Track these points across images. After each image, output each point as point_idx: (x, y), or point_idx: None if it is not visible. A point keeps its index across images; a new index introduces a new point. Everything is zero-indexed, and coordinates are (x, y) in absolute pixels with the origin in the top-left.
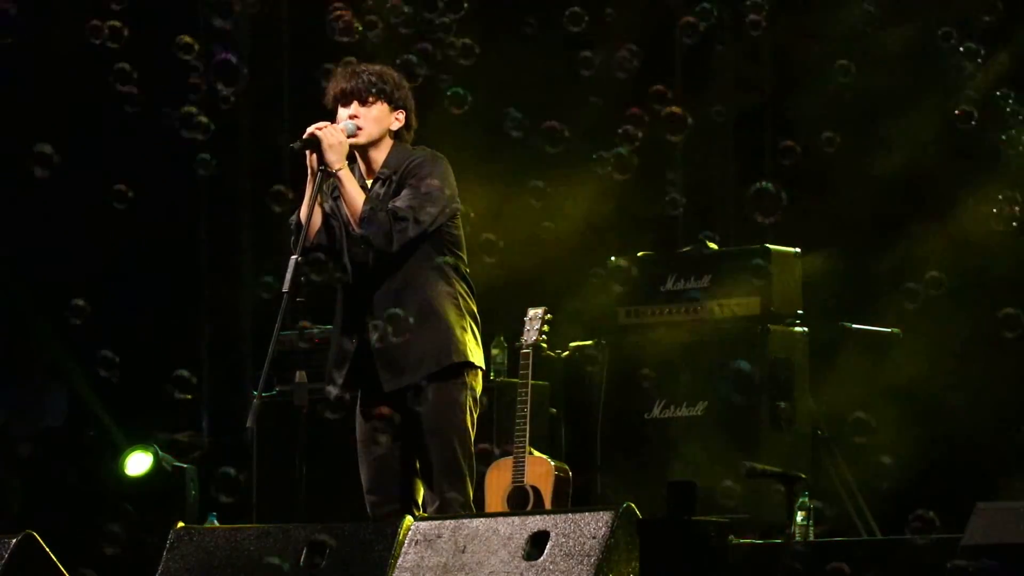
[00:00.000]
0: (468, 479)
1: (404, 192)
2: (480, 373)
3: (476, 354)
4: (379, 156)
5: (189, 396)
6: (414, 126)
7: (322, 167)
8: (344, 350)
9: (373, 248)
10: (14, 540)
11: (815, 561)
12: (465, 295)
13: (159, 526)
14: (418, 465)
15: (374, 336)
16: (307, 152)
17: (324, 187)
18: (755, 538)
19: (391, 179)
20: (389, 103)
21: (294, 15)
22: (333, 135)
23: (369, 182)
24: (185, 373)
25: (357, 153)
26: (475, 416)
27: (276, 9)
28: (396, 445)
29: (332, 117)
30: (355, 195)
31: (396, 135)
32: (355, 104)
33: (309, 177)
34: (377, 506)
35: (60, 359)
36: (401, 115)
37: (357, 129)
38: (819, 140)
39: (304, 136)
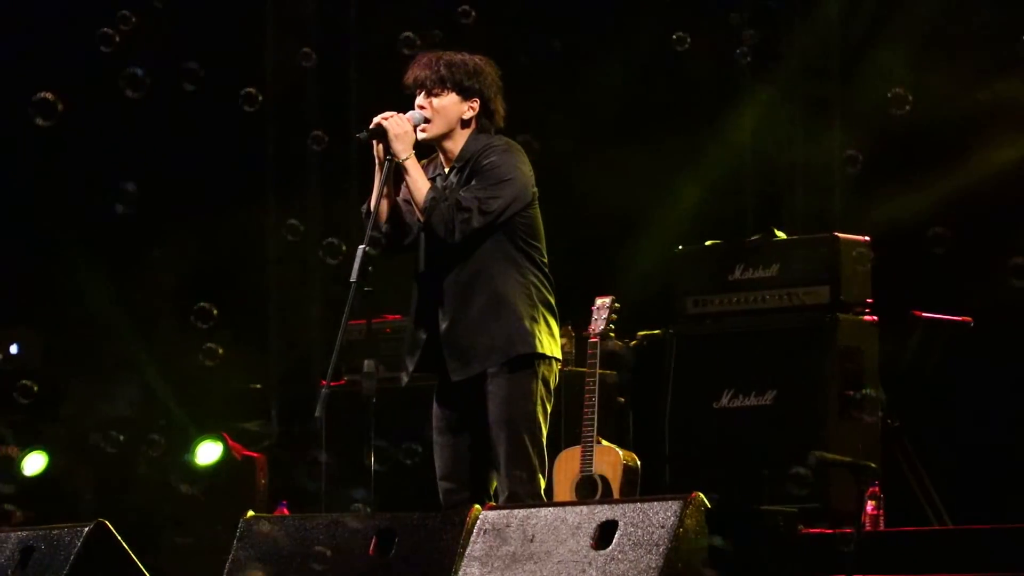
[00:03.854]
0: (538, 470)
1: (473, 182)
2: (555, 364)
3: (549, 345)
4: (455, 146)
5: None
6: (499, 113)
7: (388, 157)
8: (417, 338)
9: (437, 237)
10: (86, 529)
11: (885, 551)
12: (539, 285)
13: (229, 515)
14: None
15: (444, 325)
16: (374, 142)
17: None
18: (825, 528)
19: (465, 169)
20: (459, 93)
21: (363, 6)
22: (399, 125)
23: (446, 170)
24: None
25: (434, 143)
26: (548, 407)
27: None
28: (469, 434)
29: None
30: (420, 185)
31: (475, 124)
32: (423, 94)
33: (376, 167)
34: (450, 493)
35: (131, 349)
36: (475, 104)
37: (425, 120)
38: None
39: (371, 126)
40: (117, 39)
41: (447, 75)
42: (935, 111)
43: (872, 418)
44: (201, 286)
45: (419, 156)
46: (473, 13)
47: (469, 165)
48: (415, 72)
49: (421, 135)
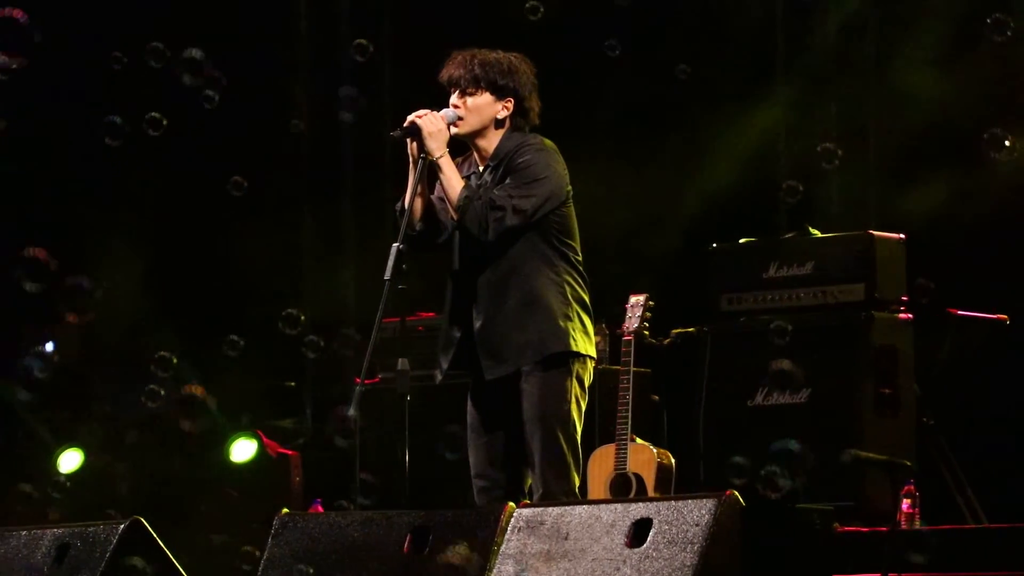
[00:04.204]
0: (573, 468)
1: (507, 181)
2: (589, 362)
3: (583, 343)
4: (489, 144)
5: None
6: (534, 111)
7: (422, 155)
8: (451, 336)
9: (470, 235)
10: (122, 526)
11: (920, 549)
12: (573, 283)
13: (264, 512)
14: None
15: (477, 324)
16: (408, 140)
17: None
18: (860, 526)
19: (499, 167)
20: (494, 92)
21: (395, 7)
22: (433, 123)
23: (481, 169)
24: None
25: (468, 141)
26: (582, 405)
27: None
28: (503, 432)
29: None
30: (454, 183)
31: (509, 123)
32: (457, 93)
33: (411, 165)
34: (484, 491)
35: (167, 346)
36: (509, 104)
37: (459, 118)
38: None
39: (404, 124)
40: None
41: (481, 74)
42: (970, 106)
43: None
44: (235, 285)
45: (454, 154)
46: None
47: (503, 164)
48: (449, 70)
49: (454, 131)
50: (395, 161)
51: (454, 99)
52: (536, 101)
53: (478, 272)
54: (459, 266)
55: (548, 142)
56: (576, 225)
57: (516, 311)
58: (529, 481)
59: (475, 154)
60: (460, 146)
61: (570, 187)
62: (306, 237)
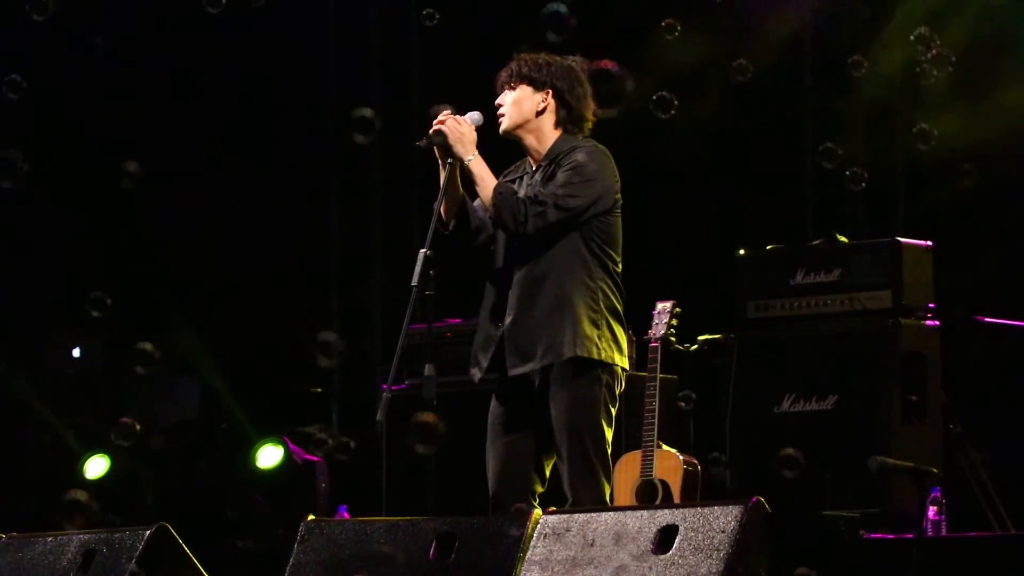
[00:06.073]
0: (601, 477)
1: (554, 180)
2: (620, 371)
3: (608, 352)
4: (540, 144)
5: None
6: (582, 103)
7: (450, 160)
8: (489, 334)
9: (508, 231)
10: (148, 532)
11: (947, 556)
12: (608, 291)
13: (290, 519)
14: (555, 459)
15: (507, 320)
16: (434, 147)
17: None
18: (886, 533)
19: (550, 168)
20: (531, 85)
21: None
22: (456, 128)
23: (533, 168)
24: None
25: (518, 140)
26: (612, 414)
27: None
28: (524, 435)
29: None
30: (487, 182)
31: (555, 118)
32: (501, 95)
33: (440, 171)
34: (500, 494)
35: (193, 352)
36: (547, 95)
37: (482, 118)
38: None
39: (429, 132)
40: None
41: (516, 70)
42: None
43: None
44: (264, 289)
45: (504, 155)
46: None
47: (554, 165)
48: (498, 78)
49: (501, 127)
50: (423, 168)
51: (499, 99)
52: (582, 95)
53: (516, 271)
54: (501, 264)
55: (601, 147)
56: (620, 236)
57: (545, 311)
58: (540, 489)
59: (528, 156)
60: (517, 151)
61: (620, 196)
62: (332, 243)
